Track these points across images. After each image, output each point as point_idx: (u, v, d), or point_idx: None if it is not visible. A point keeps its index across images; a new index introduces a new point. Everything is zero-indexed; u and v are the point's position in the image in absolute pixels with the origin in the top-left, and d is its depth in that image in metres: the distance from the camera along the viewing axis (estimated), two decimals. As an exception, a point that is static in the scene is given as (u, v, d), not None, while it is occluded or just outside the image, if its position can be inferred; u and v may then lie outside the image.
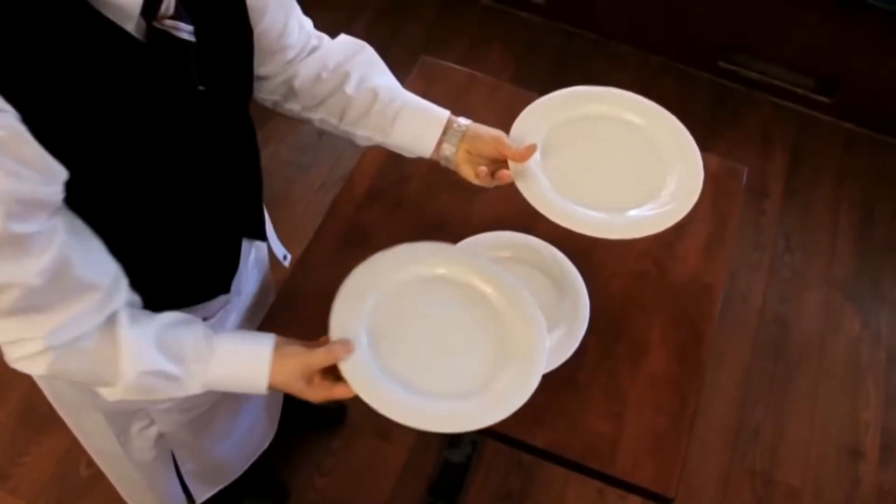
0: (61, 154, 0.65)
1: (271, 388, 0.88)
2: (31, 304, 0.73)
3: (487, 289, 0.96)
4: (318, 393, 0.88)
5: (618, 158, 1.04)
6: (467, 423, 0.87)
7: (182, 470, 1.34)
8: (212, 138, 0.85)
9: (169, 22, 0.69)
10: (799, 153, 2.44)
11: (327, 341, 0.89)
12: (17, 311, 0.72)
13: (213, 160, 0.87)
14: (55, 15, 0.61)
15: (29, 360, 0.78)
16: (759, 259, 2.20)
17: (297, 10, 1.00)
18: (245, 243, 1.07)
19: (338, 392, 0.87)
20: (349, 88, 1.01)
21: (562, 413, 1.05)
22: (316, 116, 1.05)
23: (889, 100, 2.43)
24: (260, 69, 0.98)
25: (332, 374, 0.87)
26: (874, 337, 2.08)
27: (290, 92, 1.03)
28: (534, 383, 0.88)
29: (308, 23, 1.03)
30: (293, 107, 1.04)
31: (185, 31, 0.71)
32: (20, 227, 0.65)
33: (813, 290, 2.15)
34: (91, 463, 1.70)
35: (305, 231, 1.21)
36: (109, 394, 0.85)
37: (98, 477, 1.69)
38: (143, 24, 0.68)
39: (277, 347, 0.88)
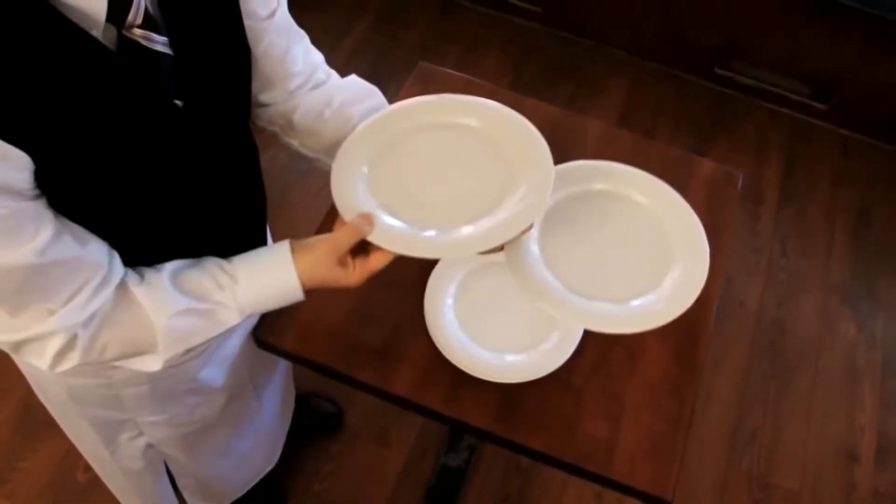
0: (26, 149, 0.64)
1: (308, 286, 0.86)
2: (38, 286, 0.72)
3: (473, 122, 0.95)
4: (357, 272, 0.86)
5: (617, 241, 0.98)
6: (498, 238, 0.86)
7: (179, 484, 1.34)
8: (199, 156, 0.82)
9: (139, 32, 0.68)
10: (794, 158, 2.45)
11: (342, 225, 0.87)
12: (25, 296, 0.72)
13: (201, 178, 0.85)
14: (17, 16, 0.60)
15: (62, 356, 0.77)
16: (756, 263, 2.21)
17: (306, 39, 0.97)
18: None
19: (375, 261, 0.85)
20: (349, 132, 0.97)
21: (559, 416, 1.05)
22: (312, 156, 1.02)
23: (883, 106, 2.44)
24: (260, 96, 0.95)
25: (361, 251, 0.86)
26: (870, 340, 2.09)
27: (289, 125, 0.99)
28: (548, 188, 0.87)
29: (317, 55, 1.00)
30: (292, 141, 1.02)
31: (159, 43, 0.70)
32: None
33: (809, 293, 2.16)
34: (88, 468, 1.71)
35: (303, 235, 1.21)
36: (153, 360, 0.83)
37: (95, 482, 1.69)
38: (114, 32, 0.67)
39: (295, 246, 0.86)
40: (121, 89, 0.69)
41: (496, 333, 1.08)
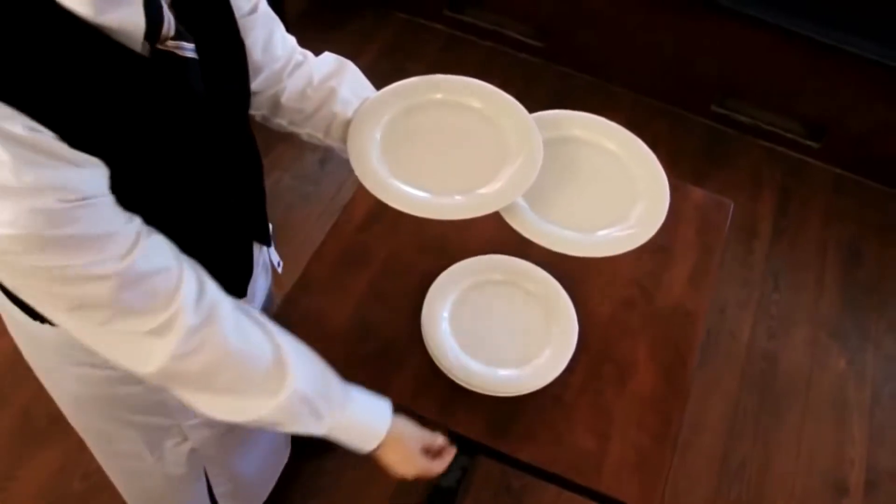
0: (98, 155, 0.70)
1: (384, 448, 0.98)
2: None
3: (475, 103, 1.08)
4: (421, 464, 1.02)
5: (588, 181, 1.09)
6: (489, 207, 0.97)
7: (216, 493, 1.36)
8: (219, 145, 0.89)
9: (172, 43, 0.75)
10: (787, 195, 2.51)
11: None
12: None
13: (221, 165, 0.91)
14: (74, 46, 0.66)
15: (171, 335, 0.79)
16: (748, 296, 2.25)
17: (280, 26, 1.04)
18: (254, 248, 1.09)
19: (436, 466, 1.04)
20: (335, 104, 1.05)
21: (549, 429, 1.09)
22: (303, 131, 1.08)
23: (874, 146, 2.51)
24: (251, 84, 1.00)
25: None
26: (860, 374, 2.12)
27: (277, 107, 1.05)
28: (535, 169, 0.99)
29: (291, 39, 1.07)
30: (281, 121, 1.07)
31: (188, 50, 0.77)
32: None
33: (800, 327, 2.20)
34: (84, 478, 1.73)
35: (304, 257, 1.25)
36: (257, 408, 0.87)
37: (91, 492, 1.71)
38: (148, 47, 0.73)
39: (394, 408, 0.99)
40: (161, 94, 0.76)
41: (491, 349, 1.12)
